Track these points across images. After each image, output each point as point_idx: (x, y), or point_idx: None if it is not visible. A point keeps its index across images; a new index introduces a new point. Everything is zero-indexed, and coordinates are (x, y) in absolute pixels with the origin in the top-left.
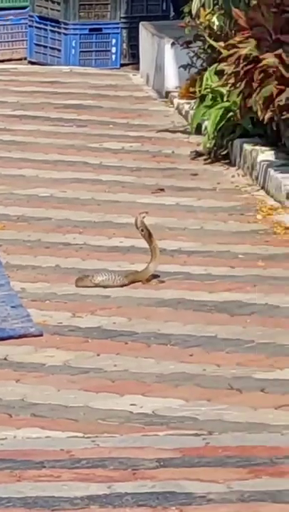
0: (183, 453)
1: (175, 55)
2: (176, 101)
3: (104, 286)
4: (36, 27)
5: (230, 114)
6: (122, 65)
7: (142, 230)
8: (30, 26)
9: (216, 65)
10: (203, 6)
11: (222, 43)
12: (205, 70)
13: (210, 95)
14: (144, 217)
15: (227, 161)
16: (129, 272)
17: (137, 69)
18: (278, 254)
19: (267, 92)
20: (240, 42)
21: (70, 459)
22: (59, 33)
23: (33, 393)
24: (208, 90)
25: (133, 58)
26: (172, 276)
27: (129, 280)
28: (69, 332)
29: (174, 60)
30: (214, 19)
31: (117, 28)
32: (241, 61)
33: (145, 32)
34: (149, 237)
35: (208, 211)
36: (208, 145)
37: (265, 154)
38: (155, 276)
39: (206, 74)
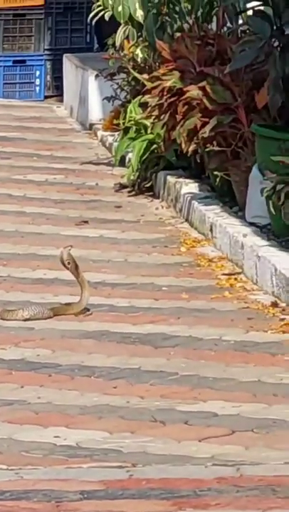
0: (107, 485)
1: (99, 87)
2: (100, 133)
3: (32, 320)
4: None
5: (154, 146)
6: (46, 97)
7: (69, 263)
8: None
9: (139, 97)
10: (127, 38)
11: (146, 75)
12: (129, 102)
13: (134, 127)
14: (70, 249)
15: (151, 193)
16: (57, 305)
17: (61, 101)
18: (202, 287)
19: (191, 124)
20: (164, 74)
21: None
22: None
23: None
24: (132, 122)
25: (57, 90)
26: (96, 308)
27: (57, 313)
28: None
29: (98, 92)
30: (138, 51)
31: (41, 59)
32: (165, 93)
33: (69, 64)
34: (75, 269)
35: (132, 243)
36: (132, 177)
37: (189, 187)
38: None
39: (130, 106)
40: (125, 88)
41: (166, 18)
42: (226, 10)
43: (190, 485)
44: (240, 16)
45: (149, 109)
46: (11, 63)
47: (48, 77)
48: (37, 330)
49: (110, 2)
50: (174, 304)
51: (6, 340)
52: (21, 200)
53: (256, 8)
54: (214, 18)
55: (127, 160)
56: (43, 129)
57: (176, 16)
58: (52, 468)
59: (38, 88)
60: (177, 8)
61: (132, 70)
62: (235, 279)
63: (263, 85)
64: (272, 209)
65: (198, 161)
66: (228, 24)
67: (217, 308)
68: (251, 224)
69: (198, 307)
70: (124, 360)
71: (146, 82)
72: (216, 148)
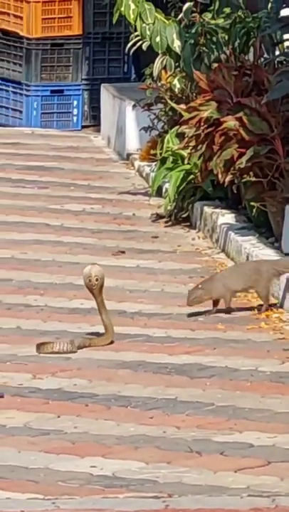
0: None
1: (136, 117)
2: (137, 163)
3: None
4: None
5: (191, 176)
6: (83, 127)
7: (97, 280)
8: None
9: (176, 127)
10: (164, 68)
11: (183, 106)
12: (166, 132)
13: (171, 158)
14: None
15: (187, 223)
16: (86, 337)
17: (98, 131)
18: (238, 317)
19: (227, 155)
20: (201, 104)
21: None
22: (20, 94)
23: None
24: (169, 153)
25: (94, 120)
26: (132, 338)
27: (82, 346)
28: (29, 394)
29: (135, 122)
30: (175, 81)
31: (79, 89)
32: (202, 124)
33: (106, 94)
34: (100, 288)
35: (168, 273)
36: (168, 207)
37: (226, 217)
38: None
39: (167, 136)
40: (162, 118)
41: (204, 48)
42: (263, 41)
43: None
44: (277, 47)
45: (186, 139)
46: (48, 93)
47: (86, 107)
48: (74, 360)
49: (148, 32)
50: (210, 335)
51: (43, 370)
52: (58, 230)
53: None
54: (251, 49)
55: (163, 190)
56: (80, 158)
57: (214, 47)
58: (88, 498)
59: (75, 118)
60: (214, 39)
61: (169, 101)
62: (272, 309)
63: None
64: None
65: (235, 191)
66: (265, 55)
67: (253, 339)
68: (287, 255)
69: (235, 338)
70: (160, 390)
71: (183, 113)
72: (253, 179)
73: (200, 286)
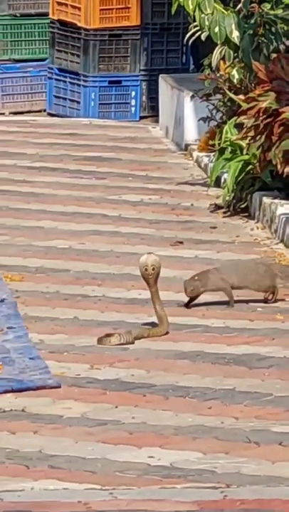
0: (201, 506)
1: (194, 108)
2: (195, 154)
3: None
4: (56, 79)
5: (250, 167)
6: (141, 118)
7: (154, 269)
8: (49, 78)
9: (235, 118)
10: (223, 59)
11: (242, 96)
12: (224, 123)
13: (229, 148)
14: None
15: (246, 214)
16: (143, 328)
17: (156, 121)
18: None
19: (286, 145)
20: (259, 95)
21: (87, 511)
22: (78, 85)
23: (51, 445)
24: (228, 143)
25: (152, 111)
26: (191, 328)
27: (140, 337)
28: (87, 384)
29: (194, 112)
30: (234, 72)
31: (137, 80)
32: (261, 114)
33: (165, 84)
34: (156, 278)
35: None
36: (227, 198)
37: (285, 207)
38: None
39: (226, 127)
40: (221, 109)
41: (262, 39)
42: None
43: (284, 506)
44: None
45: (244, 130)
46: (106, 84)
47: (144, 98)
48: (131, 350)
49: (207, 23)
50: (269, 325)
51: (100, 360)
52: (116, 221)
53: None
54: None
55: (222, 181)
56: (138, 149)
57: (272, 37)
58: (146, 488)
59: (133, 108)
60: (273, 29)
61: (227, 91)
62: None
63: None
64: None
65: None
66: None
67: None
68: None
69: None
70: (218, 380)
71: (242, 103)
72: None
73: (196, 277)
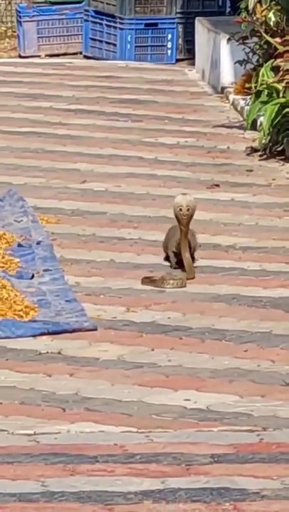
0: (237, 449)
1: (231, 51)
2: (231, 96)
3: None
4: (92, 21)
5: (286, 110)
6: (177, 60)
7: (188, 210)
8: (85, 21)
9: (271, 60)
10: (259, 1)
11: (278, 39)
12: (261, 65)
13: (266, 91)
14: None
15: (282, 157)
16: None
17: (193, 64)
18: None
19: None
20: None
21: (123, 453)
22: (114, 27)
23: (87, 387)
24: (264, 86)
25: (188, 53)
26: (227, 271)
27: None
28: (123, 327)
29: (230, 55)
30: (271, 15)
31: (173, 23)
32: None
33: (201, 27)
34: (189, 220)
35: (263, 207)
36: (263, 141)
37: None
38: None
39: (262, 70)
40: (257, 52)
41: None
42: None
43: None
44: None
45: (281, 72)
46: (142, 26)
47: (180, 41)
48: (168, 293)
49: None
50: None
51: (136, 303)
52: (152, 163)
53: None
54: None
55: (258, 124)
56: (174, 92)
57: None
58: (182, 431)
59: (169, 51)
60: None
61: (264, 34)
62: None
63: None
64: None
65: None
66: None
67: None
68: None
69: None
70: (254, 323)
71: (278, 46)
72: None
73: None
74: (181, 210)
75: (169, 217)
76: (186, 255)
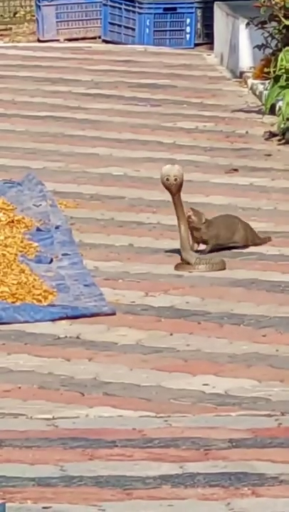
0: (255, 433)
1: (250, 36)
2: (250, 81)
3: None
4: (110, 6)
5: None
6: (196, 45)
7: (176, 179)
8: (104, 5)
9: None
10: None
11: None
12: (280, 50)
13: (284, 76)
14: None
15: None
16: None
17: (211, 49)
18: None
19: None
20: None
21: (142, 438)
22: (133, 12)
23: (106, 372)
24: (283, 71)
25: (207, 38)
26: (245, 256)
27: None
28: (142, 311)
29: (249, 40)
30: None
31: (192, 7)
32: None
33: (220, 12)
34: (178, 190)
35: (281, 192)
36: (282, 125)
37: None
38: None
39: (281, 54)
40: (276, 36)
41: None
42: None
43: None
44: None
45: None
46: (161, 11)
47: (199, 25)
48: (186, 277)
49: None
50: None
51: (155, 288)
52: (171, 148)
53: None
54: None
55: (277, 108)
56: (193, 76)
57: None
58: (200, 416)
59: (188, 36)
60: None
61: (283, 19)
62: None
63: None
64: None
65: None
66: None
67: None
68: None
69: None
70: (273, 308)
71: None
72: None
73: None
74: (168, 179)
75: (188, 202)
76: (181, 228)
